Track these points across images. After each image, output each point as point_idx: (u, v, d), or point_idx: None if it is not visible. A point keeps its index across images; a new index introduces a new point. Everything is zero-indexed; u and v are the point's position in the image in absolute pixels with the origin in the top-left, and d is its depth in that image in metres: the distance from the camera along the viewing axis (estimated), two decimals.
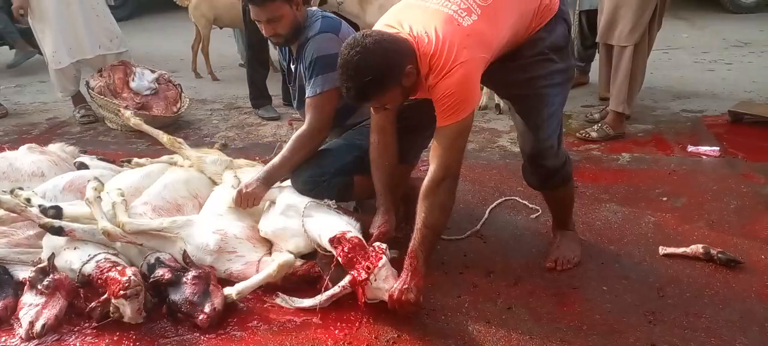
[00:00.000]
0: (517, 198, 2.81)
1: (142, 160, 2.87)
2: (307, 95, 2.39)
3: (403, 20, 1.85)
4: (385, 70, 1.75)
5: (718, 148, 3.32)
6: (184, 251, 2.10)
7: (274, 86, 4.32)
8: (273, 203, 2.33)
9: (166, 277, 1.96)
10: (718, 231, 2.49)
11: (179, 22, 7.66)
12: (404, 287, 1.88)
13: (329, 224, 2.12)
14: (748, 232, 2.48)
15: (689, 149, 3.37)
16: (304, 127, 2.38)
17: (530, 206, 2.74)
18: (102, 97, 3.72)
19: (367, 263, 1.96)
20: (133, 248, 2.17)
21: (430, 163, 1.90)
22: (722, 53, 5.55)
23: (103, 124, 4.02)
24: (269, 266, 2.07)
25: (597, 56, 4.29)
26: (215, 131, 3.86)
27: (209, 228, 2.16)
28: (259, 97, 4.15)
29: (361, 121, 2.51)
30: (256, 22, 2.36)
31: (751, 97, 4.16)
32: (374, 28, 1.92)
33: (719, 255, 2.24)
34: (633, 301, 2.07)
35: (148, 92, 3.79)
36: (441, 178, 1.88)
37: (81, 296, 2.02)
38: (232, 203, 2.32)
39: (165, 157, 2.89)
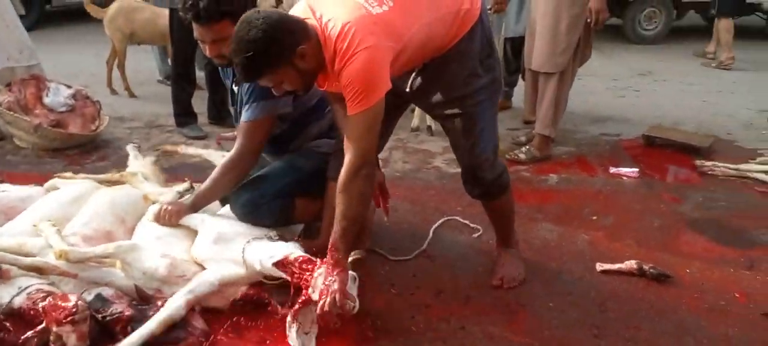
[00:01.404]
0: (458, 218, 2.84)
1: (67, 174, 2.64)
2: (241, 119, 2.29)
3: (315, 8, 1.84)
4: (270, 48, 1.73)
5: (637, 169, 3.53)
6: (136, 286, 1.95)
7: (199, 104, 4.16)
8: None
9: (126, 313, 1.81)
10: (646, 248, 2.63)
11: (89, 34, 7.26)
12: (331, 279, 1.85)
13: (270, 250, 2.05)
14: (672, 248, 2.64)
15: (611, 170, 3.55)
16: (232, 151, 2.30)
17: (472, 225, 2.77)
18: (11, 113, 3.41)
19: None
20: (69, 281, 1.98)
21: (346, 153, 1.87)
22: (630, 81, 5.95)
23: (11, 143, 3.68)
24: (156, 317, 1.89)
25: (520, 82, 4.48)
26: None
27: (156, 252, 2.03)
28: (184, 115, 3.97)
29: (304, 145, 2.46)
30: (200, 42, 2.24)
31: (659, 122, 4.47)
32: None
33: (651, 270, 2.36)
34: (578, 316, 2.14)
35: (63, 109, 3.52)
36: (359, 166, 1.85)
37: (9, 329, 1.81)
38: (151, 217, 2.22)
39: (91, 176, 2.69)
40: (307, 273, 1.92)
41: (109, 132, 3.85)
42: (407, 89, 2.04)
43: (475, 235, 2.71)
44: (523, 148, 3.75)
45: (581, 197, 3.20)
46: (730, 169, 3.43)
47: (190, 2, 2.13)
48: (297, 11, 1.91)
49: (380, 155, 2.53)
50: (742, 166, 3.44)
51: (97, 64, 5.77)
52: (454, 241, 2.67)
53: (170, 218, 2.21)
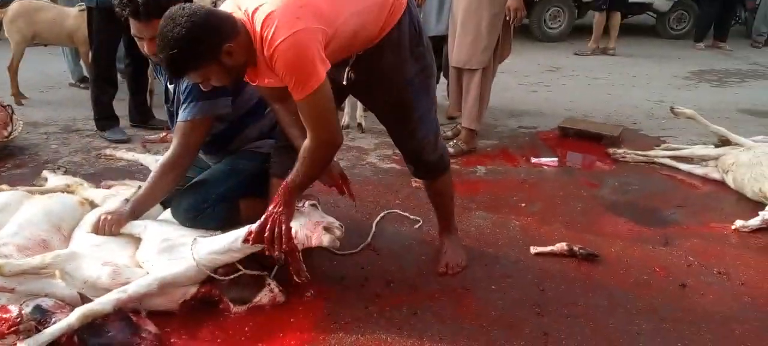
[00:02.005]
0: (398, 210, 2.92)
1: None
2: (179, 118, 2.24)
3: (241, 2, 1.84)
4: (193, 45, 1.73)
5: (556, 159, 3.76)
6: (80, 293, 1.86)
7: (120, 107, 3.98)
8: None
9: None
10: (573, 230, 2.82)
11: None
12: (279, 210, 1.94)
13: (223, 239, 2.04)
14: (596, 229, 2.85)
15: (533, 161, 3.77)
16: (168, 152, 2.25)
17: (411, 217, 2.86)
18: None
19: None
20: (2, 295, 1.86)
21: (309, 132, 1.90)
22: (540, 76, 6.29)
23: None
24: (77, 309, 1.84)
25: (442, 79, 4.62)
26: (56, 157, 3.44)
27: (97, 260, 1.94)
28: (105, 117, 3.79)
29: (244, 146, 2.44)
30: (137, 39, 2.17)
31: (571, 114, 4.77)
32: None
33: (580, 251, 2.54)
34: (519, 297, 2.27)
35: None
36: (324, 141, 1.91)
37: None
38: (90, 229, 2.14)
39: (21, 187, 2.52)
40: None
41: (23, 138, 3.61)
42: (344, 82, 2.07)
43: (416, 226, 2.80)
44: (451, 143, 3.89)
45: (508, 186, 3.37)
46: (639, 155, 3.74)
47: None
48: (225, 6, 1.90)
49: None
50: (650, 153, 3.75)
51: (2, 68, 5.38)
52: (396, 233, 2.75)
53: (110, 227, 2.13)
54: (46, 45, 4.68)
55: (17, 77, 4.48)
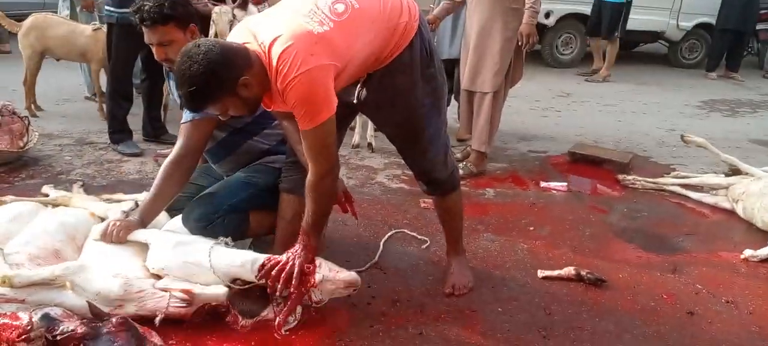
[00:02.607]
0: (405, 230, 2.93)
1: (6, 199, 2.50)
2: (181, 120, 2.31)
3: (256, 31, 1.89)
4: (209, 81, 1.78)
5: (565, 183, 3.76)
6: (89, 302, 1.88)
7: (135, 121, 4.04)
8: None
9: (79, 331, 1.73)
10: (581, 255, 2.81)
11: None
12: (298, 252, 1.99)
13: (240, 256, 2.07)
14: (604, 255, 2.84)
15: (542, 185, 3.77)
16: (171, 153, 2.29)
17: (419, 237, 2.87)
18: None
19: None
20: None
21: (309, 162, 1.95)
22: (551, 102, 6.30)
23: None
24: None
25: (453, 102, 4.65)
26: (70, 169, 3.49)
27: (107, 272, 1.96)
28: (119, 131, 3.85)
29: (256, 159, 2.47)
30: (150, 45, 2.33)
31: (581, 140, 4.77)
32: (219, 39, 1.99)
33: (588, 275, 2.53)
34: (526, 320, 2.26)
35: None
36: (326, 171, 1.95)
37: None
38: (98, 236, 2.16)
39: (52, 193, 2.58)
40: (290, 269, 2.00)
41: (37, 149, 3.67)
42: (354, 100, 2.10)
43: (423, 246, 2.80)
44: (460, 165, 3.90)
45: (517, 209, 3.37)
46: (649, 182, 3.73)
47: (137, 6, 2.29)
48: (237, 35, 1.95)
49: None
50: (660, 180, 3.75)
51: (17, 80, 5.47)
52: (403, 252, 2.75)
53: (119, 233, 2.16)
54: (57, 59, 4.76)
55: (34, 90, 4.55)
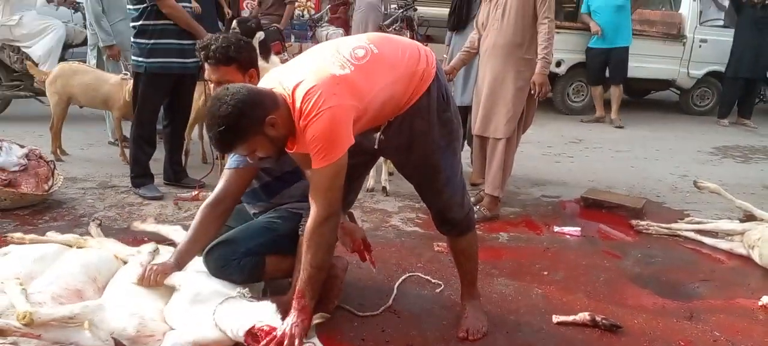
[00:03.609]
0: (420, 273, 2.96)
1: (28, 237, 2.58)
2: (226, 165, 2.43)
3: (282, 77, 2.00)
4: (238, 121, 1.87)
5: (579, 228, 3.77)
6: (114, 338, 1.92)
7: (156, 166, 4.14)
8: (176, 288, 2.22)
9: None
10: (595, 300, 2.81)
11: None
12: (293, 322, 1.95)
13: (240, 317, 2.06)
14: (619, 300, 2.84)
15: (555, 230, 3.78)
16: (210, 196, 2.39)
17: (433, 280, 2.89)
18: None
19: None
20: (30, 341, 1.92)
21: (312, 204, 1.99)
22: (563, 148, 6.34)
23: None
24: None
25: (466, 147, 4.72)
26: (92, 211, 3.57)
27: (125, 311, 2.01)
28: (142, 176, 3.94)
29: (286, 202, 2.54)
30: (209, 80, 2.56)
31: (594, 185, 4.79)
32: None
33: (603, 321, 2.53)
34: None
35: (16, 168, 3.43)
36: (325, 217, 1.98)
37: None
38: (136, 280, 2.20)
39: (57, 237, 2.65)
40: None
41: (61, 192, 3.76)
42: (375, 146, 2.18)
43: (437, 290, 2.82)
44: (474, 209, 3.93)
45: (531, 253, 3.39)
46: (663, 228, 3.74)
47: (205, 43, 2.51)
48: (265, 83, 2.06)
49: None
50: (674, 226, 3.75)
51: (42, 124, 5.64)
52: (417, 296, 2.77)
53: (156, 278, 2.20)
54: (81, 106, 4.91)
55: (59, 136, 4.69)
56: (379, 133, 2.15)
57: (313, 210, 1.98)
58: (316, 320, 2.09)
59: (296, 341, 1.90)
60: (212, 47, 2.50)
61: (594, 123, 7.75)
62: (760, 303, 2.80)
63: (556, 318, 2.59)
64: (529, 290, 2.89)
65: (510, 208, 4.16)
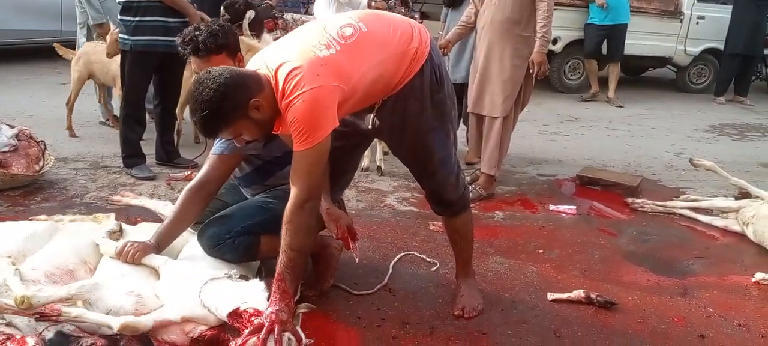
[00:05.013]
0: (415, 252, 2.94)
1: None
2: (212, 149, 2.38)
3: (267, 58, 1.96)
4: (221, 105, 1.83)
5: (574, 206, 3.77)
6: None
7: (148, 146, 4.10)
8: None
9: (99, 343, 1.76)
10: (590, 278, 2.81)
11: (14, 74, 6.99)
12: (276, 309, 1.89)
13: (226, 298, 2.02)
14: (614, 277, 2.84)
15: (551, 208, 3.77)
16: (197, 177, 2.36)
17: (428, 259, 2.88)
18: None
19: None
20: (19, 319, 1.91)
21: (292, 186, 1.95)
22: (559, 126, 6.32)
23: None
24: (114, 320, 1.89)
25: (461, 125, 4.69)
26: (84, 192, 3.53)
27: (121, 290, 1.99)
28: (133, 155, 3.90)
29: (282, 183, 2.51)
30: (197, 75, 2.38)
31: (590, 164, 4.78)
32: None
33: (598, 298, 2.53)
34: (536, 342, 2.26)
35: (6, 149, 3.38)
36: (304, 200, 1.94)
37: None
38: (113, 253, 2.19)
39: (42, 217, 2.63)
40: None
41: (53, 173, 3.72)
42: (369, 127, 2.14)
43: (433, 268, 2.81)
44: (470, 188, 3.92)
45: (526, 232, 3.38)
46: (658, 206, 3.73)
47: (189, 37, 2.37)
48: (252, 65, 2.02)
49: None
50: (669, 203, 3.75)
51: (33, 105, 5.60)
52: (413, 274, 2.76)
53: (134, 255, 2.18)
54: (99, 84, 4.91)
55: (71, 113, 4.77)
56: (372, 114, 2.12)
57: (293, 192, 1.94)
58: (302, 309, 2.04)
59: (276, 328, 1.84)
60: (200, 39, 2.41)
61: (590, 101, 7.73)
62: (753, 279, 2.81)
63: (551, 295, 2.59)
64: (525, 268, 2.88)
65: (506, 186, 4.15)
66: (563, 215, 3.68)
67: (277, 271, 1.97)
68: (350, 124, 2.16)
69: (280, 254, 1.98)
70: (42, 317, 1.83)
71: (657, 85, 9.45)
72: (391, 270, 2.73)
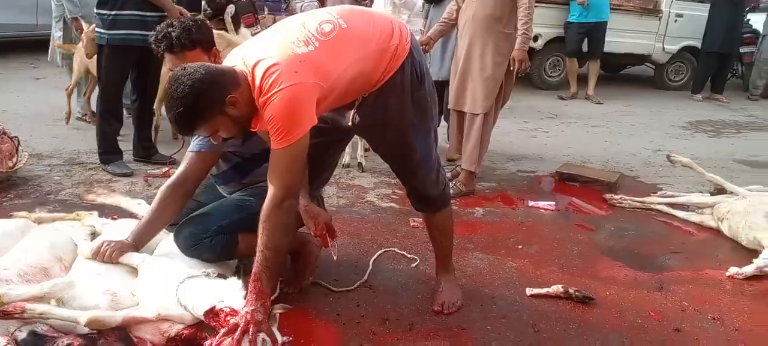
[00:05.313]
0: (395, 249, 2.94)
1: None
2: (189, 147, 2.35)
3: (245, 55, 1.92)
4: (197, 102, 1.81)
5: (553, 203, 3.80)
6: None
7: (125, 142, 4.05)
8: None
9: (76, 343, 1.73)
10: (569, 273, 2.84)
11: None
12: (251, 309, 1.86)
13: (203, 296, 1.99)
14: (592, 273, 2.87)
15: (530, 204, 3.80)
16: (171, 178, 2.33)
17: (408, 255, 2.88)
18: None
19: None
20: None
21: (269, 184, 1.92)
22: (539, 123, 6.37)
23: None
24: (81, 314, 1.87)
25: (442, 122, 4.69)
26: (59, 189, 3.48)
27: (96, 288, 1.96)
28: (110, 152, 3.84)
29: (260, 181, 2.48)
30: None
31: (569, 160, 4.82)
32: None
33: (576, 293, 2.55)
34: (514, 337, 2.27)
35: None
36: (282, 198, 1.91)
37: None
38: (88, 253, 2.16)
39: (23, 213, 2.56)
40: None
41: (27, 169, 3.65)
42: (349, 124, 2.13)
43: (413, 265, 2.81)
44: (450, 184, 3.92)
45: (506, 228, 3.40)
46: (636, 202, 3.78)
47: (162, 33, 2.30)
48: (229, 60, 1.99)
49: None
50: (647, 199, 3.80)
51: (7, 100, 5.49)
52: (393, 271, 2.76)
53: (111, 255, 2.15)
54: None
55: (70, 100, 4.80)
56: (352, 111, 2.10)
57: (271, 191, 1.91)
58: (278, 309, 2.01)
59: (251, 328, 1.82)
60: (174, 35, 2.35)
61: (570, 99, 7.79)
62: (727, 274, 2.86)
63: (530, 291, 2.60)
64: (504, 264, 2.90)
65: (486, 183, 4.17)
66: (542, 210, 3.71)
67: (253, 270, 1.94)
68: (330, 120, 2.14)
69: (257, 253, 1.94)
70: (5, 315, 1.79)
71: (635, 83, 9.57)
72: (371, 267, 2.73)
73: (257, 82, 1.84)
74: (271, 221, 1.92)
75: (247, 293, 1.93)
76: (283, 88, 1.79)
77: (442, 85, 4.39)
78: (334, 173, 3.99)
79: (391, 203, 3.64)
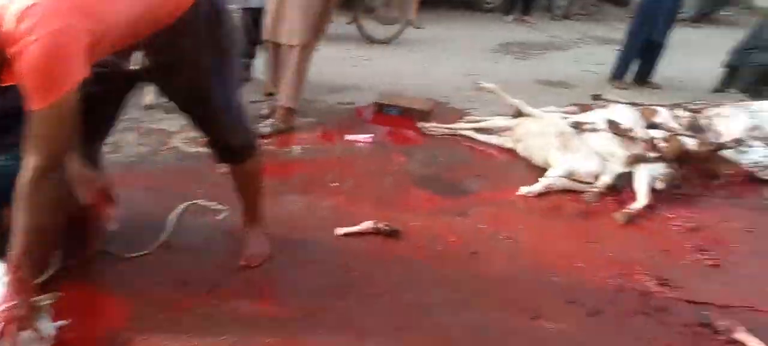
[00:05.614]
0: (200, 201, 2.75)
1: None
2: None
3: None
4: None
5: (371, 135, 3.82)
6: None
7: None
8: None
9: None
10: (381, 207, 2.87)
11: None
12: (10, 305, 1.62)
13: None
14: (402, 205, 2.93)
15: (347, 138, 3.78)
16: None
17: (215, 207, 2.71)
18: None
19: None
20: None
21: (28, 153, 1.61)
22: (360, 51, 6.34)
23: None
24: None
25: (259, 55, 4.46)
26: None
27: None
28: None
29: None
30: None
31: (390, 89, 4.86)
32: None
33: (384, 228, 2.60)
34: (324, 282, 2.26)
35: None
36: (45, 170, 1.60)
37: None
38: None
39: None
40: None
41: None
42: (136, 68, 1.88)
43: (219, 216, 2.66)
44: (267, 121, 3.77)
45: (323, 165, 3.35)
46: (445, 128, 3.92)
47: None
48: None
49: (110, 139, 2.33)
50: (454, 126, 3.96)
51: None
52: (198, 226, 2.58)
53: None
54: None
55: None
56: (140, 54, 1.84)
57: (31, 161, 1.59)
58: (47, 300, 1.74)
59: (11, 328, 1.58)
60: None
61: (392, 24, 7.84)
62: (517, 193, 3.08)
63: (339, 230, 2.59)
64: (318, 204, 2.86)
65: (304, 118, 4.05)
66: (361, 143, 3.71)
67: (11, 256, 1.62)
68: (111, 64, 1.85)
69: (16, 236, 1.62)
70: None
71: (455, 5, 9.90)
72: (171, 224, 2.52)
73: (7, 26, 1.50)
74: (32, 198, 1.60)
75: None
76: (42, 35, 1.48)
77: (258, 13, 4.13)
78: (135, 116, 3.63)
79: (199, 148, 3.35)
